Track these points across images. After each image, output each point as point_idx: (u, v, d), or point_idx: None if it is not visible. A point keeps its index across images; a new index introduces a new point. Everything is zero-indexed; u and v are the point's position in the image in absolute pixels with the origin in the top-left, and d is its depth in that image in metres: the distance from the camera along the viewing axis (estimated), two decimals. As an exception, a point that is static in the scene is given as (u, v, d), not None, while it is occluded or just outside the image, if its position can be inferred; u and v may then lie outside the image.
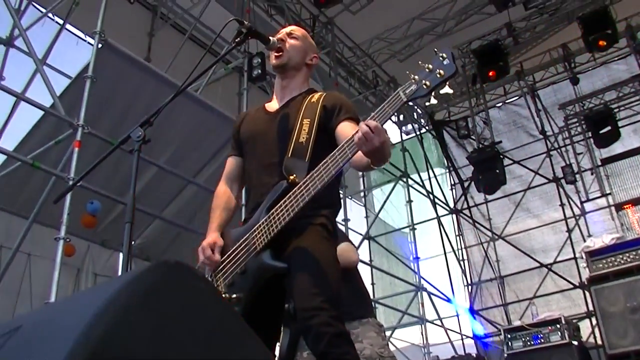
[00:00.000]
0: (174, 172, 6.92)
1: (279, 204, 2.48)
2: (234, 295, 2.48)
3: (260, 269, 2.50)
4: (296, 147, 2.64)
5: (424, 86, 2.29)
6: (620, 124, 12.21)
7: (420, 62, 2.32)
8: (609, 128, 11.98)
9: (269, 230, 2.48)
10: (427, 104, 2.36)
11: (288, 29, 2.96)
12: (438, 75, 2.28)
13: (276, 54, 2.87)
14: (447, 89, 2.32)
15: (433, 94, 2.31)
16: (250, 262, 2.52)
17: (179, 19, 10.05)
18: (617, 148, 12.15)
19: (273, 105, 2.92)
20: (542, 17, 12.05)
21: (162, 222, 7.41)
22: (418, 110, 14.38)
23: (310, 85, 3.00)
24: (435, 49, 2.33)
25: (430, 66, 2.30)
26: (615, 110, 12.42)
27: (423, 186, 13.53)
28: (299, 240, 2.53)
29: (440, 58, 2.31)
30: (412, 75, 2.32)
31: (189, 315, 1.39)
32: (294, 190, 2.45)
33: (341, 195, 11.21)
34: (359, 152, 2.30)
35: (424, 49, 12.09)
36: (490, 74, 11.62)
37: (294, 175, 2.54)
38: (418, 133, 14.12)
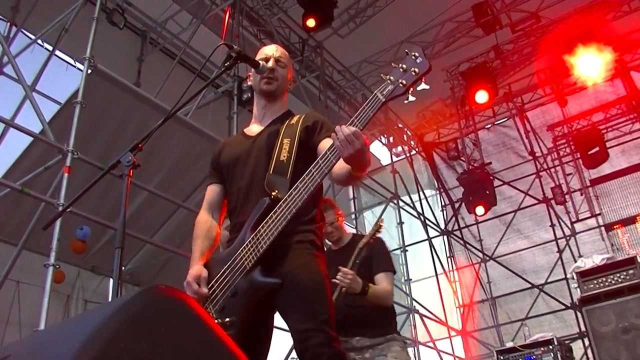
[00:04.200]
0: (164, 196, 6.89)
1: (265, 221, 2.49)
2: (227, 319, 2.47)
3: (252, 287, 2.49)
4: (277, 164, 2.68)
5: (400, 85, 2.35)
6: (608, 144, 12.31)
7: (393, 64, 2.40)
8: (597, 149, 12.07)
9: (257, 248, 2.48)
10: (405, 101, 2.39)
11: (275, 53, 2.97)
12: (413, 73, 2.35)
13: (267, 80, 2.90)
14: (423, 85, 2.39)
15: (410, 91, 2.37)
16: (240, 283, 2.51)
17: (168, 44, 10.09)
18: (605, 169, 12.24)
19: (253, 129, 2.97)
20: (530, 40, 12.16)
21: (153, 246, 7.36)
22: (408, 132, 14.44)
23: (301, 109, 3.04)
24: (407, 50, 2.39)
25: (404, 66, 2.37)
26: (603, 131, 12.52)
27: (414, 208, 13.54)
28: (289, 258, 2.54)
29: (413, 57, 2.38)
30: (387, 77, 2.38)
31: (179, 341, 1.38)
32: (279, 205, 2.47)
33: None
34: (340, 162, 2.34)
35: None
36: (479, 95, 11.67)
37: (276, 191, 2.56)
38: (408, 155, 14.17)
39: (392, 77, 2.37)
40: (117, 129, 6.56)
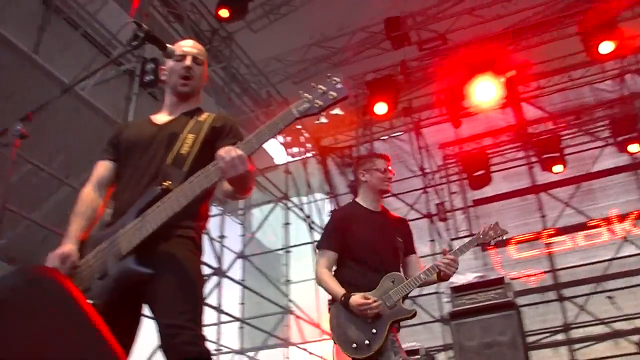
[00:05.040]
0: (49, 171, 6.64)
1: (151, 209, 2.47)
2: (90, 302, 2.42)
3: (123, 273, 2.45)
4: (177, 157, 2.66)
5: (316, 105, 2.39)
6: (493, 168, 12.91)
7: (313, 84, 2.43)
8: (482, 172, 12.64)
9: (137, 235, 2.45)
10: (316, 122, 2.45)
11: (193, 50, 2.94)
12: (330, 97, 2.39)
13: (184, 81, 2.88)
14: (337, 110, 2.45)
15: (324, 113, 2.42)
16: (111, 267, 2.46)
17: (73, 14, 9.67)
18: (488, 191, 12.84)
19: (161, 118, 2.92)
20: (434, 60, 12.49)
21: (31, 222, 7.06)
22: (305, 134, 14.53)
23: (203, 99, 3.02)
24: (329, 74, 2.45)
25: (324, 88, 2.41)
26: (490, 156, 13.11)
27: (302, 210, 13.67)
28: (167, 250, 2.52)
29: (333, 82, 2.42)
30: (305, 95, 2.41)
31: (50, 321, 1.36)
32: (168, 196, 2.45)
33: (219, 212, 11.15)
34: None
35: (319, 75, 12.25)
36: (379, 107, 11.86)
37: (170, 182, 2.54)
38: (303, 157, 14.26)
39: (309, 96, 2.41)
40: (9, 96, 6.26)
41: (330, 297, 3.97)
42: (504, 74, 11.67)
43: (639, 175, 12.64)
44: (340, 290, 3.80)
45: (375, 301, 3.71)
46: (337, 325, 3.84)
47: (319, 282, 3.98)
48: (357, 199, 4.28)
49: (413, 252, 4.19)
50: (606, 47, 10.23)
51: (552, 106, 13.34)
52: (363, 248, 3.99)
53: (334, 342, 3.81)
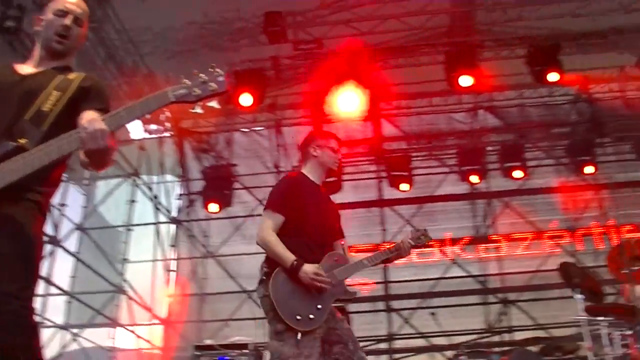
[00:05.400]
0: None
1: None
2: None
3: None
4: (37, 113, 2.50)
5: (194, 93, 2.35)
6: (344, 177, 13.27)
7: (195, 71, 2.40)
8: (334, 179, 12.94)
9: None
10: (191, 110, 2.43)
11: (77, 10, 2.78)
12: (210, 88, 2.37)
13: (59, 39, 2.72)
14: (214, 103, 2.43)
15: (200, 103, 2.38)
16: None
17: None
18: (336, 199, 13.11)
19: (25, 69, 2.73)
20: (307, 62, 12.58)
21: None
22: (167, 113, 14.14)
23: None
24: (213, 64, 2.42)
25: (205, 77, 2.38)
26: (344, 165, 13.43)
27: (150, 189, 13.35)
28: (9, 212, 2.36)
29: (216, 73, 2.41)
30: (184, 80, 2.38)
31: None
32: (22, 155, 2.30)
33: (63, 179, 10.61)
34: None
35: (190, 53, 11.92)
36: (244, 98, 11.77)
37: (26, 140, 2.38)
38: (160, 135, 13.89)
39: (188, 82, 2.37)
40: None
41: (266, 263, 3.86)
42: (369, 88, 12.01)
43: (475, 204, 13.57)
44: (290, 256, 3.70)
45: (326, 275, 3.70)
46: (280, 293, 3.68)
47: (264, 243, 3.81)
48: (303, 171, 4.24)
49: (343, 236, 4.26)
50: (465, 80, 10.83)
51: (408, 127, 13.96)
52: (312, 221, 3.94)
53: (277, 310, 3.63)
